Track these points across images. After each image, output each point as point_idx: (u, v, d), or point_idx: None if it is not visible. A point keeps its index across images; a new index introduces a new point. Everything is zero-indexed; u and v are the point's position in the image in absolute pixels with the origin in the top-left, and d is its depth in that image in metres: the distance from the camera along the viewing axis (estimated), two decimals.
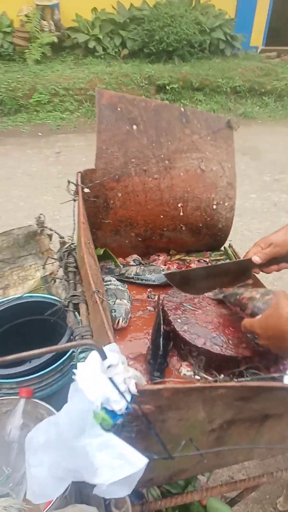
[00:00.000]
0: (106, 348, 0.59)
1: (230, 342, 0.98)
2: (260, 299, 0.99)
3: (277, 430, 0.78)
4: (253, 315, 0.98)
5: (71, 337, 1.11)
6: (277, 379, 0.92)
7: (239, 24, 8.44)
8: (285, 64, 8.49)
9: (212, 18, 7.82)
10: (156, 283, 1.31)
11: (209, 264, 1.44)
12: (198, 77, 6.96)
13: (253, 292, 1.04)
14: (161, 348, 1.02)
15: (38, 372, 1.21)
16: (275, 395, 0.66)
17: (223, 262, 1.25)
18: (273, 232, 1.19)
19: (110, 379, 0.57)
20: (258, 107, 7.26)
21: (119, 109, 1.30)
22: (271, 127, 6.66)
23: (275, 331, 0.85)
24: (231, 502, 1.13)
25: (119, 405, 0.57)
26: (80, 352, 0.95)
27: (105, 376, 0.57)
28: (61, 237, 1.46)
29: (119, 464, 0.57)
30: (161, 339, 1.04)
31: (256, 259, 1.15)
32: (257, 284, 1.30)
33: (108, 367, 0.58)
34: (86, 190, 1.31)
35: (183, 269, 1.14)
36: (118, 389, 0.56)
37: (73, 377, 0.59)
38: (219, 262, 1.23)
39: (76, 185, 1.28)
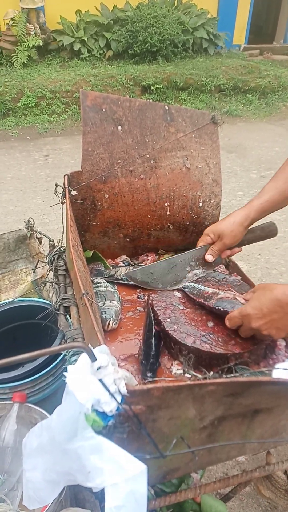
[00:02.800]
0: (95, 350, 0.60)
1: (220, 339, 0.99)
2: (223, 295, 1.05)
3: (268, 424, 0.79)
4: (217, 307, 1.03)
5: (63, 340, 1.11)
6: (266, 374, 0.93)
7: (222, 23, 8.50)
8: (268, 62, 8.58)
9: (194, 17, 7.86)
10: None
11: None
12: (182, 76, 6.99)
13: (216, 290, 1.10)
14: (153, 349, 1.02)
15: (31, 377, 1.21)
16: (264, 389, 0.67)
17: (182, 253, 1.27)
18: (223, 219, 1.24)
19: (100, 380, 0.57)
20: (242, 105, 7.32)
21: (103, 109, 1.30)
22: (256, 124, 6.71)
23: (271, 305, 0.88)
24: (225, 498, 1.14)
25: (110, 406, 0.57)
26: (72, 355, 0.95)
27: (95, 378, 0.57)
28: (51, 240, 1.46)
29: (111, 468, 0.57)
30: (153, 339, 1.04)
31: (209, 258, 1.23)
32: (246, 280, 1.31)
33: (98, 368, 0.58)
34: (74, 192, 1.31)
35: (167, 303, 1.14)
36: (108, 390, 0.56)
37: (64, 380, 0.59)
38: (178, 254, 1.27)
39: (64, 188, 1.28)
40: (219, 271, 1.40)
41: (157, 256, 1.52)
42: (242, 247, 1.31)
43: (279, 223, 3.95)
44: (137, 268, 1.32)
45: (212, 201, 1.47)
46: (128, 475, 0.56)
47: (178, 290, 1.24)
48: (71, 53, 7.44)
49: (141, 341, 1.08)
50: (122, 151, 1.33)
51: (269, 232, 1.32)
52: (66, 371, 0.59)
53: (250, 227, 1.24)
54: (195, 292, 1.15)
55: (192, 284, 1.21)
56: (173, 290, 1.23)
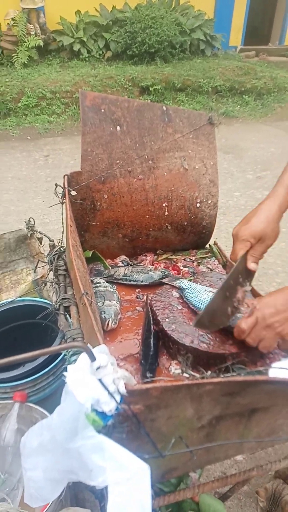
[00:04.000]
0: (95, 350, 0.60)
1: (217, 339, 1.00)
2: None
3: (265, 423, 0.80)
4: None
5: (63, 340, 1.11)
6: (263, 373, 0.93)
7: (218, 24, 8.53)
8: (264, 63, 8.61)
9: (191, 19, 7.88)
10: (144, 283, 1.32)
11: (198, 265, 1.45)
12: (180, 77, 7.00)
13: None
14: (152, 349, 1.03)
15: (31, 376, 1.22)
16: (261, 388, 0.68)
17: (229, 273, 1.01)
18: (250, 217, 1.03)
19: (100, 380, 0.58)
20: (238, 106, 7.33)
21: (102, 110, 1.30)
22: (252, 125, 6.73)
23: (286, 301, 0.87)
24: (223, 497, 1.15)
25: (109, 406, 0.57)
26: (72, 355, 0.96)
27: (95, 378, 0.58)
28: (51, 240, 1.47)
29: (113, 467, 0.57)
30: (152, 339, 1.05)
31: (254, 266, 1.03)
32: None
33: (97, 368, 0.58)
34: (73, 193, 1.32)
35: (203, 310, 0.98)
36: (107, 390, 0.57)
37: (64, 379, 0.60)
38: (225, 278, 1.05)
39: (63, 188, 1.29)
40: (217, 271, 1.41)
41: (156, 256, 1.53)
42: None
43: None
44: (201, 313, 0.98)
45: (209, 202, 1.48)
46: (130, 474, 0.56)
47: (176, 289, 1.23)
48: (71, 54, 7.45)
49: (140, 341, 1.08)
50: (121, 152, 1.34)
51: None
52: (66, 370, 0.60)
53: None
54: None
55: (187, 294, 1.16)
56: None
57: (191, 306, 1.13)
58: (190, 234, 1.52)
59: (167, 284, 1.27)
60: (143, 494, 0.56)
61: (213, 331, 1.02)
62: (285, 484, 1.45)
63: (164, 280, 1.30)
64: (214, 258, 1.50)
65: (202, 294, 1.12)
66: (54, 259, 1.33)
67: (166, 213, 1.45)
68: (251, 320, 0.90)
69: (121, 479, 0.56)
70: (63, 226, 1.33)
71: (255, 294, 1.21)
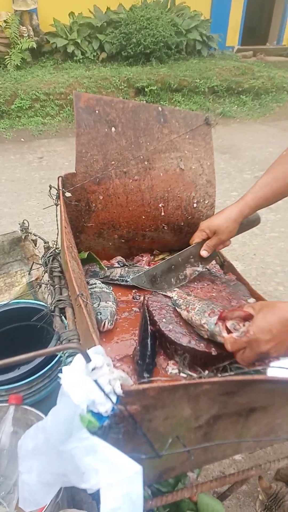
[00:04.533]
0: (90, 351, 0.60)
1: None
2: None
3: (263, 422, 0.80)
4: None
5: (58, 341, 1.11)
6: (261, 372, 0.93)
7: (215, 25, 8.54)
8: (261, 63, 8.64)
9: (187, 19, 7.90)
10: None
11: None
12: (176, 78, 7.01)
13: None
14: (149, 349, 1.02)
15: (27, 379, 1.21)
16: (259, 388, 0.68)
17: (180, 252, 1.28)
18: (217, 214, 1.26)
19: (95, 381, 0.57)
20: (236, 106, 7.36)
21: (97, 111, 1.30)
22: (249, 125, 6.75)
23: (281, 326, 0.82)
24: (222, 497, 1.15)
25: (105, 406, 0.57)
26: (68, 356, 0.95)
27: (90, 379, 0.57)
28: (46, 242, 1.46)
29: (105, 469, 0.57)
30: (149, 339, 1.04)
31: (204, 253, 1.25)
32: (241, 279, 1.32)
33: (93, 369, 0.58)
34: (68, 194, 1.32)
35: (163, 303, 1.12)
36: (103, 391, 0.57)
37: (59, 381, 0.59)
38: (176, 254, 1.28)
39: (58, 189, 1.28)
40: (214, 270, 1.41)
41: (152, 257, 1.52)
42: (232, 243, 1.35)
43: (273, 223, 3.96)
44: (140, 273, 1.30)
45: (206, 202, 1.48)
46: (123, 476, 0.56)
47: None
48: (65, 55, 7.44)
49: (136, 341, 1.08)
50: (116, 153, 1.34)
51: (253, 221, 1.36)
52: (62, 372, 0.59)
53: None
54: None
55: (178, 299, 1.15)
56: (178, 287, 1.24)
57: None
58: (187, 235, 1.52)
59: (160, 293, 1.24)
60: (135, 496, 0.56)
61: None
62: None
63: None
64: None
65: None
66: (49, 261, 1.33)
67: (163, 213, 1.45)
68: (241, 343, 0.88)
69: (113, 481, 0.56)
70: (57, 228, 1.32)
71: (253, 294, 1.22)
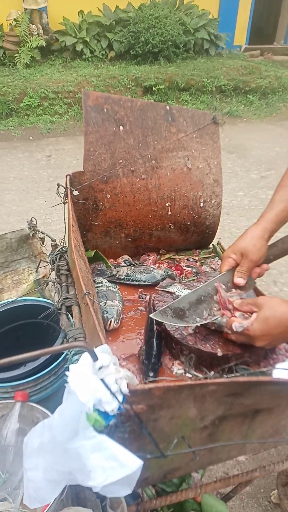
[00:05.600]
0: (97, 350, 0.60)
1: (221, 340, 0.99)
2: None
3: (268, 423, 0.79)
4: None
5: (65, 339, 1.11)
6: (267, 373, 0.93)
7: (223, 24, 8.51)
8: (268, 62, 8.58)
9: (195, 18, 7.87)
10: (146, 283, 1.32)
11: (194, 286, 1.29)
12: (184, 77, 7.00)
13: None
14: (155, 348, 1.02)
15: (33, 376, 1.21)
16: (264, 389, 0.67)
17: (208, 281, 1.09)
18: (239, 237, 1.11)
19: (102, 380, 0.57)
20: (243, 106, 7.32)
21: (105, 110, 1.30)
22: (256, 125, 6.72)
23: (281, 329, 0.88)
24: (226, 498, 1.14)
25: (111, 405, 0.57)
26: (74, 354, 0.95)
27: (97, 378, 0.58)
28: (53, 240, 1.47)
29: (112, 466, 0.57)
30: (155, 339, 1.04)
31: (240, 281, 1.07)
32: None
33: (100, 368, 0.58)
34: (76, 192, 1.32)
35: (169, 303, 1.03)
36: (109, 389, 0.57)
37: (65, 379, 0.59)
38: (203, 284, 1.10)
39: (66, 188, 1.28)
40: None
41: (159, 256, 1.52)
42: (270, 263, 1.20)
43: None
44: (164, 307, 1.04)
45: (213, 201, 1.47)
46: (128, 472, 0.56)
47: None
48: (74, 54, 7.46)
49: (142, 340, 1.08)
50: (124, 151, 1.34)
51: None
52: (68, 370, 0.59)
53: (271, 243, 1.17)
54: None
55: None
56: (211, 323, 1.04)
57: None
58: (193, 234, 1.52)
59: (162, 290, 1.23)
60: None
61: (216, 332, 1.02)
62: None
63: (157, 287, 1.26)
64: (217, 258, 1.50)
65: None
66: (56, 259, 1.33)
67: (169, 212, 1.45)
68: (240, 335, 0.95)
69: (119, 478, 0.56)
70: (65, 226, 1.33)
71: (258, 293, 1.21)
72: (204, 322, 1.01)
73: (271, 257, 1.19)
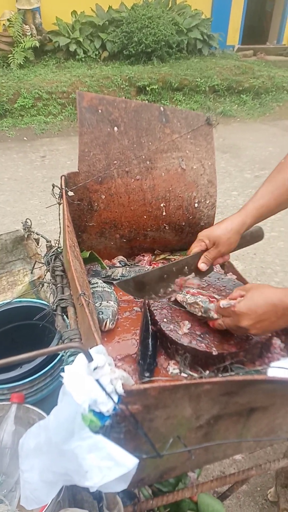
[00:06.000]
0: (92, 350, 0.60)
1: (216, 339, 1.00)
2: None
3: (264, 422, 0.80)
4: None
5: (60, 340, 1.11)
6: (262, 372, 0.94)
7: (215, 24, 8.53)
8: (261, 62, 8.62)
9: (188, 18, 7.88)
10: None
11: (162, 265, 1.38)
12: (177, 77, 7.01)
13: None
14: (150, 349, 1.03)
15: (29, 377, 1.21)
16: (259, 388, 0.68)
17: (176, 260, 1.15)
18: (217, 224, 1.15)
19: (97, 380, 0.58)
20: (236, 105, 7.35)
21: (99, 111, 1.30)
22: (249, 124, 6.74)
23: (267, 309, 0.87)
24: (222, 497, 1.15)
25: (107, 406, 0.57)
26: (70, 356, 0.95)
27: (92, 378, 0.58)
28: (48, 241, 1.46)
29: (108, 466, 0.57)
30: (150, 339, 1.05)
31: (203, 266, 1.13)
32: (241, 279, 1.32)
33: (95, 369, 0.58)
34: (70, 193, 1.32)
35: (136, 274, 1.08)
36: (105, 390, 0.57)
37: (61, 380, 0.60)
38: (171, 261, 1.16)
39: (60, 188, 1.28)
40: (215, 270, 1.41)
41: (154, 257, 1.53)
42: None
43: (273, 222, 3.96)
44: (128, 277, 1.19)
45: (207, 202, 1.48)
46: (124, 471, 0.56)
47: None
48: (67, 54, 7.44)
49: (138, 341, 1.08)
50: (118, 152, 1.34)
51: (257, 237, 1.30)
52: (64, 371, 0.59)
53: None
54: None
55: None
56: (165, 299, 1.14)
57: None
58: (188, 234, 1.52)
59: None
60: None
61: (211, 331, 1.02)
62: None
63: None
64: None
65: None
66: (51, 260, 1.33)
67: (164, 213, 1.45)
68: (226, 312, 0.95)
69: (116, 477, 0.56)
70: (60, 227, 1.33)
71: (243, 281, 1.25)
72: (156, 299, 1.12)
73: (236, 247, 1.20)
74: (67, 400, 0.58)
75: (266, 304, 0.87)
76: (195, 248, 1.14)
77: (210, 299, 1.04)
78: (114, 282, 1.19)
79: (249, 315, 0.89)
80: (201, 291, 1.12)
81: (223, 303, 0.94)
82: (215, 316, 0.99)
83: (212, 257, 1.13)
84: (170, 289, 1.14)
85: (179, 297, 1.11)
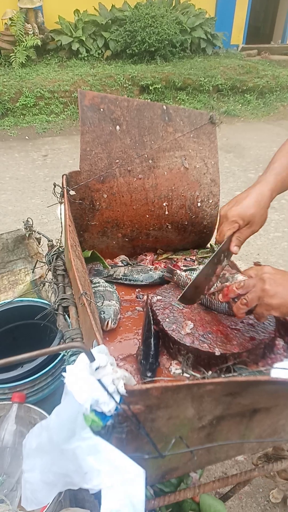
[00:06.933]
0: (94, 350, 0.60)
1: (218, 339, 0.99)
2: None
3: (266, 423, 0.79)
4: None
5: (62, 340, 1.11)
6: (265, 373, 0.93)
7: (219, 23, 8.52)
8: (266, 62, 8.60)
9: (192, 17, 7.86)
10: (144, 283, 1.31)
11: (198, 264, 1.42)
12: (181, 76, 7.00)
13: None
14: (153, 348, 1.02)
15: (30, 377, 1.21)
16: (262, 389, 0.67)
17: (214, 253, 1.02)
18: (241, 199, 1.02)
19: (99, 380, 0.57)
20: (240, 105, 7.33)
21: (101, 109, 1.30)
22: (253, 124, 6.73)
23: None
24: (224, 498, 1.14)
25: (109, 406, 0.57)
26: (71, 355, 0.95)
27: (94, 378, 0.57)
28: (49, 240, 1.46)
29: (107, 470, 0.57)
30: (152, 339, 1.04)
31: (236, 250, 1.02)
32: (235, 268, 1.31)
33: (97, 368, 0.58)
34: (72, 192, 1.31)
35: (189, 283, 1.01)
36: (106, 390, 0.56)
37: (62, 380, 0.59)
38: (208, 257, 1.16)
39: (62, 188, 1.28)
40: None
41: (156, 256, 1.52)
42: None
43: (277, 223, 3.95)
44: (185, 289, 1.03)
45: (210, 201, 1.47)
46: (125, 477, 0.55)
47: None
48: (70, 53, 7.44)
49: (140, 341, 1.08)
50: (120, 151, 1.33)
51: None
52: (65, 371, 0.59)
53: None
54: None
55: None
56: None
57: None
58: (190, 234, 1.51)
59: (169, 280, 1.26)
60: (137, 499, 0.55)
61: (214, 331, 1.02)
62: None
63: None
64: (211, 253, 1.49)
65: None
66: (52, 259, 1.33)
67: (167, 212, 1.44)
68: (251, 296, 0.88)
69: (115, 483, 0.56)
70: (61, 226, 1.32)
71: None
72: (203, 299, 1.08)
73: None
74: (69, 400, 0.58)
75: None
76: (228, 230, 1.01)
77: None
78: (176, 301, 1.08)
79: (272, 278, 0.86)
80: None
81: (240, 278, 0.92)
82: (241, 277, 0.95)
83: (245, 238, 1.03)
84: (211, 283, 1.06)
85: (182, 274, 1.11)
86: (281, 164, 1.04)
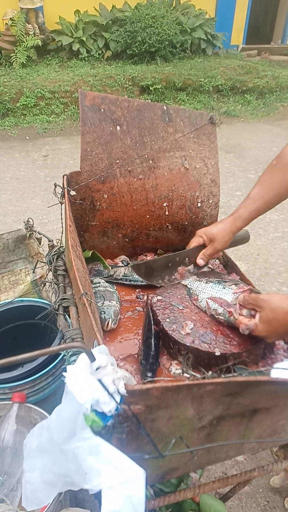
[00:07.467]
0: (94, 350, 0.60)
1: (218, 339, 0.99)
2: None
3: (266, 423, 0.79)
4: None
5: (62, 340, 1.11)
6: (265, 373, 0.93)
7: (219, 23, 8.52)
8: (266, 62, 8.60)
9: (192, 18, 7.87)
10: (144, 283, 1.31)
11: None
12: (181, 77, 7.00)
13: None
14: (153, 349, 1.02)
15: (30, 377, 1.21)
16: (262, 389, 0.67)
17: (181, 251, 1.29)
18: (214, 224, 1.28)
19: (99, 380, 0.57)
20: (240, 105, 7.34)
21: (102, 110, 1.30)
22: (253, 124, 6.73)
23: (285, 326, 0.92)
24: (224, 498, 1.14)
25: (109, 406, 0.57)
26: (72, 355, 0.95)
27: (94, 378, 0.57)
28: (50, 241, 1.46)
29: (108, 470, 0.57)
30: (152, 339, 1.04)
31: (201, 262, 1.27)
32: (244, 279, 1.31)
33: (97, 369, 0.58)
34: (73, 192, 1.31)
35: (171, 303, 1.15)
36: (107, 390, 0.57)
37: (63, 380, 0.59)
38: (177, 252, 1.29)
39: (62, 188, 1.28)
40: (218, 270, 1.40)
41: (156, 256, 1.52)
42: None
43: (277, 223, 3.95)
44: (141, 262, 1.35)
45: (210, 201, 1.47)
46: (125, 478, 0.56)
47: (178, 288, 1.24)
48: (70, 53, 7.44)
49: (140, 341, 1.08)
50: (121, 151, 1.33)
51: (244, 239, 1.42)
52: (66, 371, 0.59)
53: None
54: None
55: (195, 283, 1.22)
56: (170, 285, 1.26)
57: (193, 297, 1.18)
58: (191, 234, 1.51)
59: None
60: (137, 499, 0.55)
61: (214, 331, 1.02)
62: None
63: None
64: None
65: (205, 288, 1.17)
66: (53, 259, 1.33)
67: (167, 212, 1.45)
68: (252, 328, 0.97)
69: (115, 484, 0.56)
70: (62, 226, 1.32)
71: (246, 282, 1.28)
72: (161, 284, 1.25)
73: (228, 246, 1.32)
74: (69, 400, 0.58)
75: (284, 325, 0.92)
76: (193, 242, 1.28)
77: (227, 309, 1.04)
78: (129, 265, 1.34)
79: (271, 334, 0.95)
80: (215, 297, 1.12)
81: (243, 328, 0.97)
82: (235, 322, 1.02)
83: (209, 254, 1.26)
84: (173, 277, 1.27)
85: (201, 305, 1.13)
86: (252, 196, 1.24)
